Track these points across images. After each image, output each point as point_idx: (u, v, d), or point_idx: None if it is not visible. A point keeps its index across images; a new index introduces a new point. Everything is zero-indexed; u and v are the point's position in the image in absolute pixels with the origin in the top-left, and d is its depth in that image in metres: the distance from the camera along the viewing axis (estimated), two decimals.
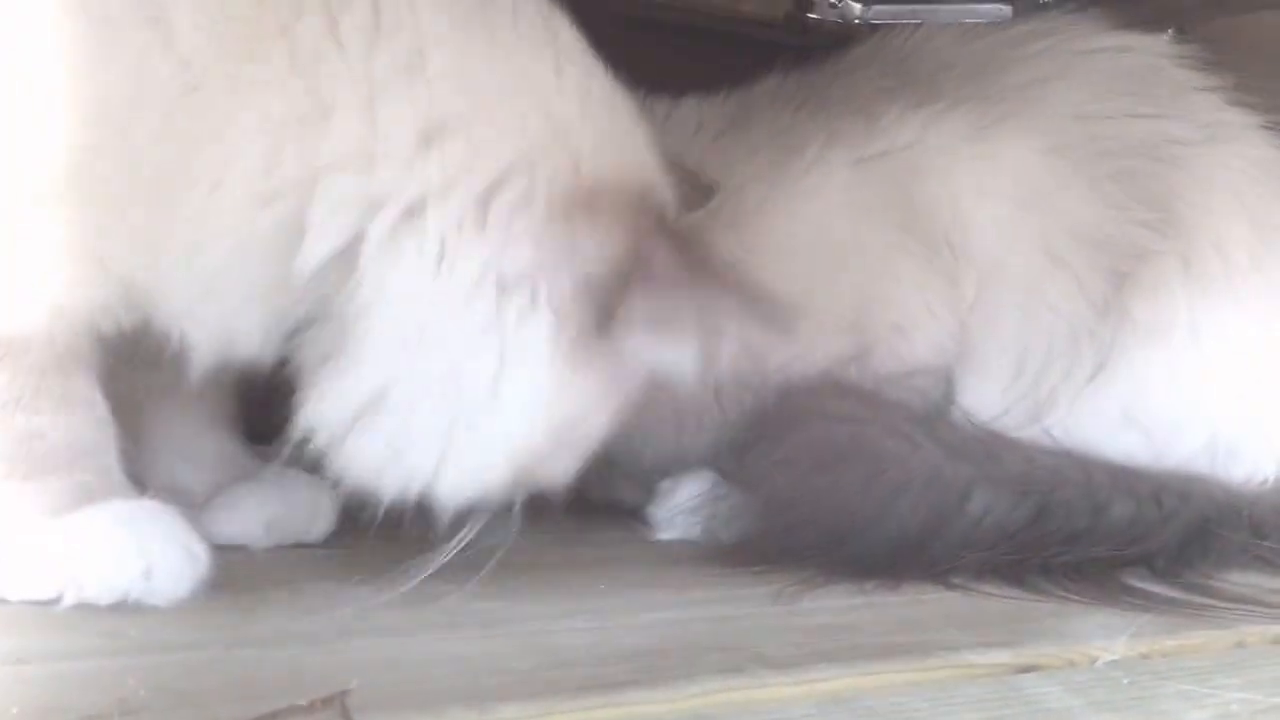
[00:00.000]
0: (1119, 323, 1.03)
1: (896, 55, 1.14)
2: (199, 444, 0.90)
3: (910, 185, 1.06)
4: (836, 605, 0.83)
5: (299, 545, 0.93)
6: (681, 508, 1.04)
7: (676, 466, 1.09)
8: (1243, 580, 0.93)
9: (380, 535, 1.00)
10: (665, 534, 1.03)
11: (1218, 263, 1.04)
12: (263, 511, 0.88)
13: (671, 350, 0.83)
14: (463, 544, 0.80)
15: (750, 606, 0.82)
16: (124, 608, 0.73)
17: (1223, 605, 0.88)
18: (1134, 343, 1.03)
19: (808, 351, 1.06)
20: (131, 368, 0.81)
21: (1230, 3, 1.32)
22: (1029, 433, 1.02)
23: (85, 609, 0.73)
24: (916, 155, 1.06)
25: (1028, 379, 1.05)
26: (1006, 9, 1.26)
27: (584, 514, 1.11)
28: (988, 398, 1.05)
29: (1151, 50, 1.12)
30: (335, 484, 0.79)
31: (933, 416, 1.04)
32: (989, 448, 0.99)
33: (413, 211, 0.74)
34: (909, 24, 1.17)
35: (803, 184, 1.07)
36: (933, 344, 1.06)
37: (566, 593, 0.86)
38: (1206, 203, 1.05)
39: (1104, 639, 0.76)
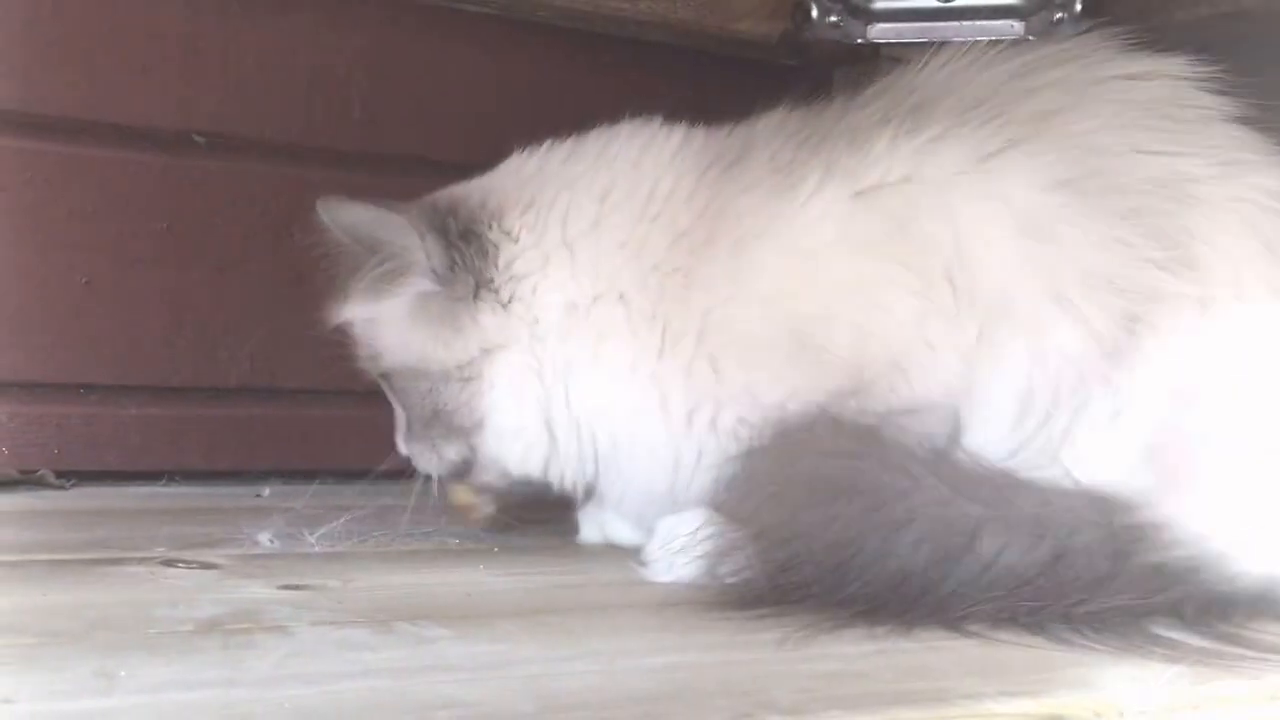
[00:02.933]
0: (1134, 368, 1.06)
1: (909, 87, 1.17)
2: None
3: (910, 220, 1.09)
4: (846, 652, 0.85)
5: (290, 587, 0.96)
6: (679, 548, 1.05)
7: (671, 505, 1.11)
8: (1277, 630, 0.95)
9: (372, 578, 1.03)
10: (663, 575, 1.05)
11: (1236, 304, 1.07)
12: None
13: None
14: None
15: (756, 651, 0.85)
16: (114, 648, 0.76)
17: (1256, 656, 0.89)
18: (1151, 389, 1.05)
19: (806, 386, 1.09)
20: None
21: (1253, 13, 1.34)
22: (1048, 473, 1.04)
23: (73, 649, 0.76)
24: (916, 189, 1.09)
25: (1036, 419, 1.07)
26: (1018, 25, 1.29)
27: (580, 556, 1.14)
28: (994, 438, 1.07)
29: (1169, 75, 1.14)
30: None
31: (935, 453, 1.06)
32: (998, 486, 1.01)
33: None
34: (922, 52, 1.19)
35: (801, 217, 1.10)
36: (933, 382, 1.08)
37: (564, 635, 0.88)
38: (1223, 241, 1.08)
39: (1132, 690, 0.78)
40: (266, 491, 1.42)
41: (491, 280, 1.16)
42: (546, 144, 1.22)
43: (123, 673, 0.72)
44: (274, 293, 1.51)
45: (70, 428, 1.45)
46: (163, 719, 0.65)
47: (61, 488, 1.41)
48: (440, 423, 1.17)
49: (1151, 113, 1.12)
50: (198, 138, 1.49)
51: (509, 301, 1.16)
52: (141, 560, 1.04)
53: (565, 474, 1.18)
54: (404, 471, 1.21)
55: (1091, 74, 1.14)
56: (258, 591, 0.95)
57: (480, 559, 1.13)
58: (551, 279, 1.16)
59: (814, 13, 1.44)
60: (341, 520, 1.18)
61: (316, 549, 1.13)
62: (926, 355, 1.08)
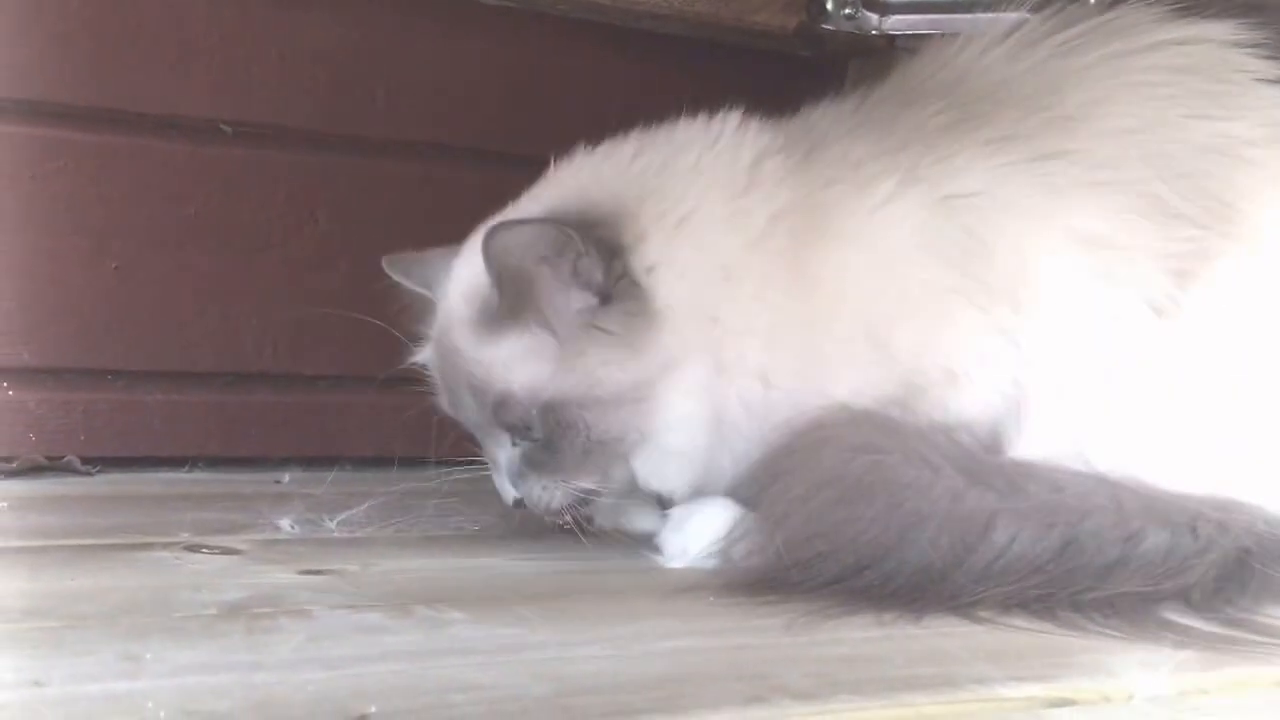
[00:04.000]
0: (1177, 324, 1.07)
1: (951, 78, 1.17)
2: None
3: (980, 234, 1.09)
4: (856, 637, 0.86)
5: (311, 571, 0.98)
6: (696, 537, 1.06)
7: (691, 494, 1.12)
8: None
9: (391, 563, 1.03)
10: (678, 562, 1.06)
11: None
12: None
13: None
14: None
15: (768, 636, 0.86)
16: (139, 632, 0.78)
17: (1267, 641, 0.90)
18: (1189, 346, 1.06)
19: (866, 389, 1.09)
20: None
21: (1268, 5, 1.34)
22: (1063, 458, 1.05)
23: (99, 632, 0.78)
24: (988, 204, 1.09)
25: (1076, 416, 1.08)
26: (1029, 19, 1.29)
27: (594, 542, 1.15)
28: (1032, 448, 1.08)
29: (1216, 40, 1.14)
30: None
31: (953, 443, 1.07)
32: (1012, 475, 1.02)
33: None
34: (950, 37, 1.20)
35: (878, 219, 1.10)
36: (982, 397, 1.09)
37: (579, 620, 0.89)
38: (1274, 204, 1.08)
39: (1142, 675, 0.79)
40: (286, 478, 1.43)
41: (645, 289, 1.08)
42: (603, 147, 1.17)
43: (148, 656, 0.73)
44: (299, 278, 1.52)
45: (97, 414, 1.46)
46: (187, 701, 0.66)
47: (87, 473, 1.42)
48: (599, 450, 1.09)
49: (1202, 78, 1.12)
50: (224, 126, 1.50)
51: (667, 310, 1.08)
52: (165, 545, 1.06)
53: (705, 479, 1.12)
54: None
55: (1137, 43, 1.13)
56: (279, 576, 0.96)
57: (497, 545, 1.14)
58: (679, 268, 1.09)
59: (829, 5, 1.45)
60: (362, 507, 1.19)
61: (337, 534, 1.14)
62: (979, 370, 1.09)
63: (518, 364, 1.08)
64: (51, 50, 1.41)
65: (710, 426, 1.10)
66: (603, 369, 1.07)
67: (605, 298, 1.07)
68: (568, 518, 1.12)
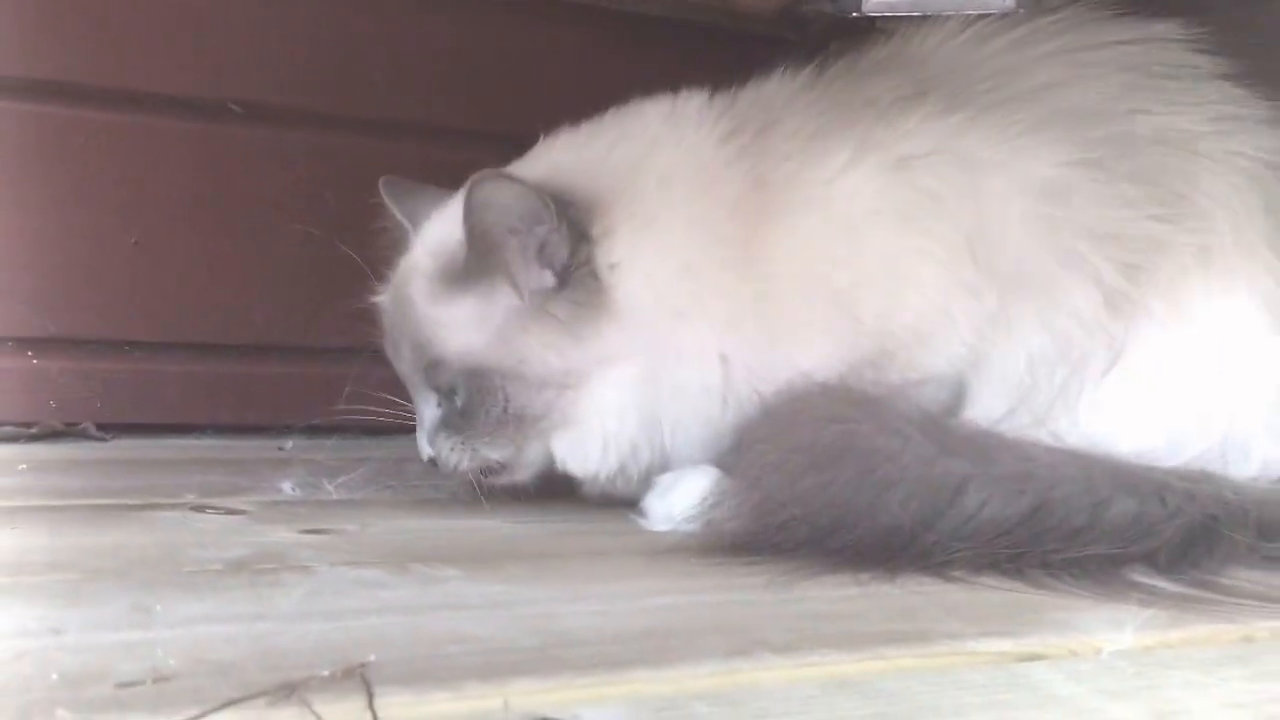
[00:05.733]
0: (1134, 315, 1.09)
1: (913, 60, 1.19)
2: None
3: (938, 193, 1.11)
4: (833, 595, 0.88)
5: (311, 531, 1.00)
6: (680, 502, 1.08)
7: (671, 462, 1.13)
8: (1251, 578, 0.97)
9: (388, 523, 1.05)
10: (662, 526, 1.08)
11: (1237, 254, 1.09)
12: None
13: None
14: None
15: (748, 594, 0.88)
16: (150, 585, 0.80)
17: (1231, 601, 0.92)
18: (1149, 335, 1.08)
19: (835, 356, 1.10)
20: None
21: None
22: (1034, 434, 1.07)
23: (113, 585, 0.80)
24: (942, 162, 1.11)
25: (1038, 382, 1.10)
26: (1009, 1, 1.30)
27: (582, 506, 1.16)
28: (996, 403, 1.10)
29: (1159, 38, 1.17)
30: None
31: (925, 415, 1.08)
32: (984, 446, 1.04)
33: None
34: (917, 25, 1.21)
35: (837, 188, 1.11)
36: (949, 353, 1.11)
37: (568, 578, 0.91)
38: (1223, 194, 1.10)
39: (1109, 631, 0.80)
40: (289, 444, 1.46)
41: (603, 283, 1.09)
42: (583, 128, 1.17)
43: (158, 608, 0.76)
44: (308, 254, 1.53)
45: (116, 383, 1.49)
46: (195, 650, 0.68)
47: (102, 439, 1.44)
48: (514, 424, 1.10)
49: (1146, 74, 1.15)
50: (234, 106, 1.52)
51: (622, 309, 1.09)
52: (174, 506, 1.08)
53: (632, 465, 1.13)
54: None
55: (1084, 43, 1.16)
56: (282, 535, 0.98)
57: (489, 507, 1.14)
58: (643, 270, 1.10)
59: None
60: (360, 471, 1.22)
61: (335, 497, 1.17)
62: (947, 327, 1.10)
63: (461, 329, 1.10)
64: (67, 30, 1.42)
65: (644, 414, 1.11)
66: (538, 350, 1.09)
67: (562, 281, 1.08)
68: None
